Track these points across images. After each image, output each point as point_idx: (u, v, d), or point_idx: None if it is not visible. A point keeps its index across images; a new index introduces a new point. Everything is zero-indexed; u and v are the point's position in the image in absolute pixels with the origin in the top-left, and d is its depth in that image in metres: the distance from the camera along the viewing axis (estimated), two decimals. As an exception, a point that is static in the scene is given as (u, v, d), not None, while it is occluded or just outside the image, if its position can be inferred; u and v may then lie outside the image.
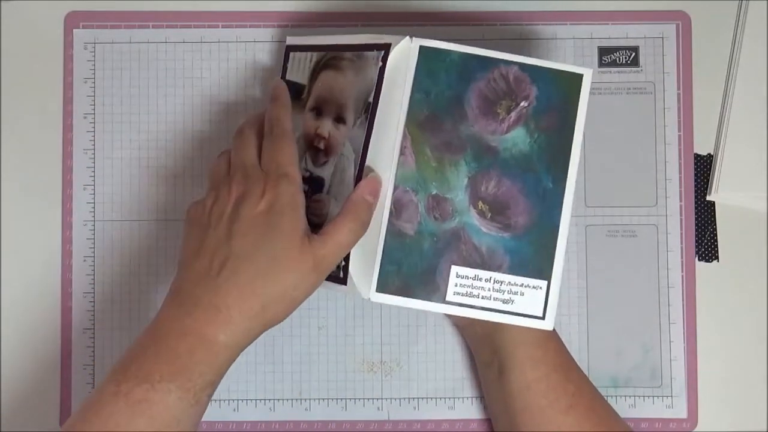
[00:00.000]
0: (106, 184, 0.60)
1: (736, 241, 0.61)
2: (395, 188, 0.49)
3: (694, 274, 0.60)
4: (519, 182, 0.49)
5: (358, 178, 0.50)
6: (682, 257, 0.60)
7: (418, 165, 0.49)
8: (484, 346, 0.55)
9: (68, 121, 0.60)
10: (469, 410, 0.60)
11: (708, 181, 0.61)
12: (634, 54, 0.61)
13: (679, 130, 0.61)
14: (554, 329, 0.51)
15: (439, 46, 0.49)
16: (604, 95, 0.61)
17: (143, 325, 0.59)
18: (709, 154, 0.61)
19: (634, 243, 0.60)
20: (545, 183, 0.49)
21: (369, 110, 0.50)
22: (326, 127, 0.52)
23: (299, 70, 0.54)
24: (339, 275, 0.50)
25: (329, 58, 0.53)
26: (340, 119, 0.52)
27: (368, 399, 0.60)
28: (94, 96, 0.60)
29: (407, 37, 0.49)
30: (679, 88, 0.61)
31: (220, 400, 0.59)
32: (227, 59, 0.61)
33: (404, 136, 0.49)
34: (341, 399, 0.60)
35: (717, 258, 0.61)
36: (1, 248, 0.60)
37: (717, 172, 0.60)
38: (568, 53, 0.61)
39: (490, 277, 0.49)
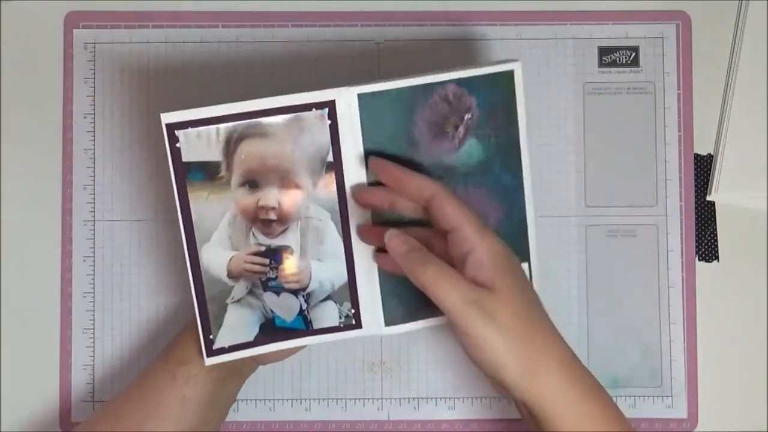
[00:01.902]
0: (106, 184, 0.60)
1: (736, 241, 0.61)
2: None
3: (694, 274, 0.60)
4: (483, 187, 0.52)
5: (346, 232, 0.51)
6: (682, 257, 0.60)
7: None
8: (533, 425, 0.48)
9: (68, 121, 0.60)
10: (469, 410, 0.60)
11: (708, 181, 0.61)
12: (634, 54, 0.61)
13: (679, 130, 0.61)
14: (611, 422, 0.46)
15: (375, 89, 0.50)
16: (604, 95, 0.61)
17: (143, 326, 0.60)
18: (709, 154, 0.61)
19: (634, 243, 0.60)
20: (505, 180, 0.52)
21: (330, 169, 0.50)
22: (272, 196, 0.50)
23: (202, 147, 0.49)
24: (351, 323, 0.52)
25: (247, 127, 0.49)
26: (289, 185, 0.50)
27: (368, 399, 0.60)
28: (94, 96, 0.60)
29: (345, 89, 0.49)
30: (679, 88, 0.61)
31: (220, 400, 0.59)
32: (227, 59, 0.61)
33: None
34: (341, 399, 0.60)
35: (717, 258, 0.61)
36: (1, 248, 0.60)
37: (717, 172, 0.60)
38: (568, 53, 0.61)
39: None
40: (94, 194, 0.60)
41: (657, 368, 0.60)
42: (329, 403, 0.60)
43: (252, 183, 0.50)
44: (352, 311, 0.52)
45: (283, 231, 0.51)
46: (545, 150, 0.60)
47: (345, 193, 0.51)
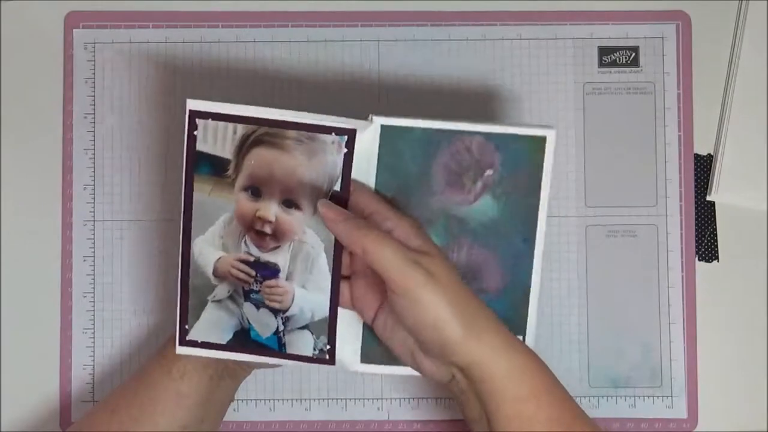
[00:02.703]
0: (106, 184, 0.60)
1: (736, 241, 0.61)
2: None
3: (694, 274, 0.60)
4: (491, 248, 0.50)
5: (336, 268, 0.49)
6: (682, 257, 0.60)
7: None
8: (470, 401, 0.48)
9: (68, 121, 0.60)
10: (469, 410, 0.60)
11: (708, 181, 0.61)
12: (634, 54, 0.61)
13: (679, 130, 0.61)
14: (551, 379, 0.47)
15: (401, 124, 0.48)
16: (604, 95, 0.61)
17: (143, 326, 0.60)
18: (709, 154, 0.61)
19: (634, 243, 0.60)
20: (517, 243, 0.50)
21: (334, 198, 0.48)
22: (271, 210, 0.49)
23: (216, 141, 0.48)
24: (325, 357, 0.50)
25: (263, 134, 0.48)
26: (290, 203, 0.49)
27: (368, 399, 0.60)
28: (94, 96, 0.60)
29: (369, 120, 0.48)
30: (679, 88, 0.61)
31: (220, 400, 0.59)
32: (227, 59, 0.61)
33: None
34: (341, 399, 0.60)
35: (717, 258, 0.61)
36: (2, 248, 0.60)
37: (717, 172, 0.60)
38: (568, 53, 0.61)
39: None
40: (94, 194, 0.60)
41: (657, 368, 0.60)
42: (329, 403, 0.60)
43: (255, 190, 0.49)
44: (328, 347, 0.50)
45: (275, 248, 0.49)
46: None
47: None
